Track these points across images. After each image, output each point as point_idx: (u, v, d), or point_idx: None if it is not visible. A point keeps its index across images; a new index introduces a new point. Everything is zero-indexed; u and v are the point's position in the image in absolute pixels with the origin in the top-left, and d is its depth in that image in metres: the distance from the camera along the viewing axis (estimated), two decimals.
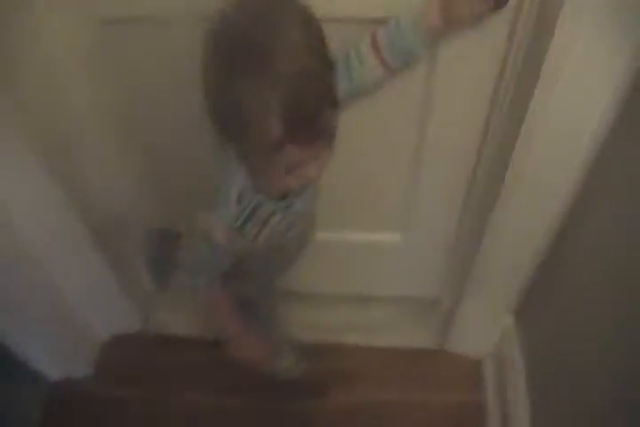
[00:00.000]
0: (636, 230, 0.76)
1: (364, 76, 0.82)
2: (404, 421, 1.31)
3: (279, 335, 1.39)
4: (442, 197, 1.20)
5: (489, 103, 0.99)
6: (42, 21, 0.92)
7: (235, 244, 0.85)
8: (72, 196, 1.12)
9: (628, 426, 0.74)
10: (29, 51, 0.93)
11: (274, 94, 0.63)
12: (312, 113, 0.65)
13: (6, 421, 1.24)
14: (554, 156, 0.88)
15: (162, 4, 0.87)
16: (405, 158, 1.14)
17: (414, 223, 1.28)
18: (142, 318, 1.49)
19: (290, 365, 1.38)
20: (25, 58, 0.93)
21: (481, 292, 1.23)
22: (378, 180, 1.20)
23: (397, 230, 1.32)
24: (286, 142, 0.66)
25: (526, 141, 0.88)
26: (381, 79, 0.84)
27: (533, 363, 1.17)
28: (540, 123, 0.84)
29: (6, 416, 1.25)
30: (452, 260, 1.36)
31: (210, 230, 0.83)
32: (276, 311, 1.37)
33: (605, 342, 0.83)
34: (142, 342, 1.47)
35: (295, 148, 0.67)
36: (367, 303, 1.52)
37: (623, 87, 0.76)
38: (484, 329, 1.33)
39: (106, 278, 1.32)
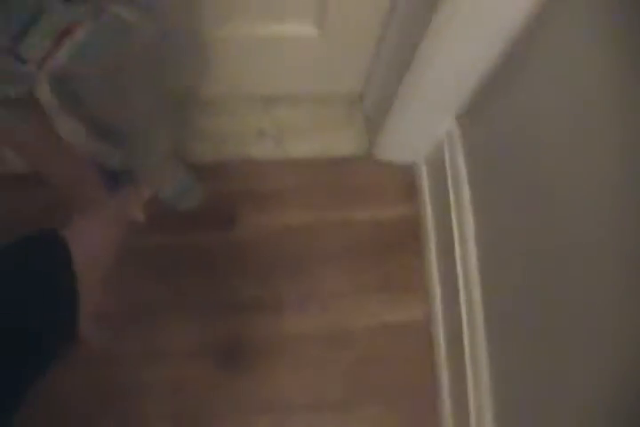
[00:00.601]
0: None
1: None
2: (329, 242, 1.13)
3: (162, 157, 1.10)
4: None
5: None
6: None
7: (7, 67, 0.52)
8: None
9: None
10: None
11: None
12: None
13: None
14: None
15: None
16: None
17: (334, 14, 0.95)
18: None
19: (185, 192, 1.13)
20: None
21: (416, 93, 0.96)
22: None
23: (314, 23, 1.00)
24: None
25: None
26: None
27: (476, 171, 0.99)
28: None
29: None
30: (381, 54, 1.05)
31: None
32: (153, 129, 1.04)
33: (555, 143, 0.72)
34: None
35: None
36: (276, 106, 1.23)
37: None
38: (420, 132, 1.10)
39: None
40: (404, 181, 1.18)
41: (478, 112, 0.96)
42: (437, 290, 1.06)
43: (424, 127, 1.08)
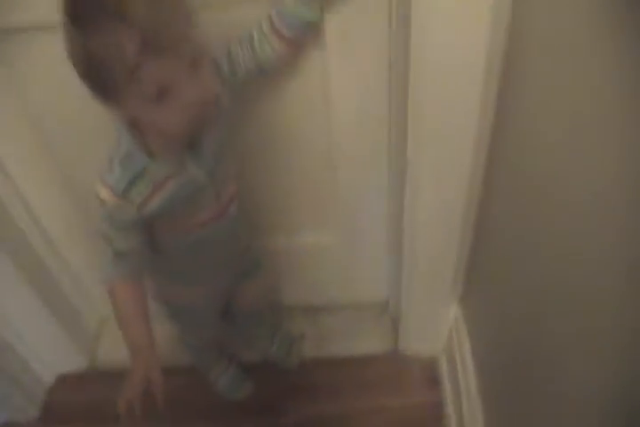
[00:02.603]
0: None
1: (267, 53, 0.84)
2: None
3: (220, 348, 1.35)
4: (364, 193, 1.19)
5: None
6: None
7: (122, 210, 0.80)
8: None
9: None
10: None
11: (132, 33, 0.63)
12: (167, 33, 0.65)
13: None
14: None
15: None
16: (319, 159, 1.13)
17: (345, 223, 1.26)
18: (88, 355, 1.44)
19: (238, 385, 1.33)
20: None
21: (417, 283, 1.18)
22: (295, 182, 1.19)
23: (331, 233, 1.30)
24: (141, 58, 0.64)
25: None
26: (284, 54, 0.85)
27: (481, 356, 1.12)
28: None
29: None
30: (390, 257, 1.33)
31: (98, 193, 0.80)
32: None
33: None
34: (90, 380, 1.41)
35: (151, 62, 0.65)
36: (316, 313, 1.48)
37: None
38: (433, 324, 1.29)
39: (43, 318, 1.29)
40: (427, 372, 1.34)
41: (477, 297, 1.10)
42: None
43: (435, 320, 1.27)
